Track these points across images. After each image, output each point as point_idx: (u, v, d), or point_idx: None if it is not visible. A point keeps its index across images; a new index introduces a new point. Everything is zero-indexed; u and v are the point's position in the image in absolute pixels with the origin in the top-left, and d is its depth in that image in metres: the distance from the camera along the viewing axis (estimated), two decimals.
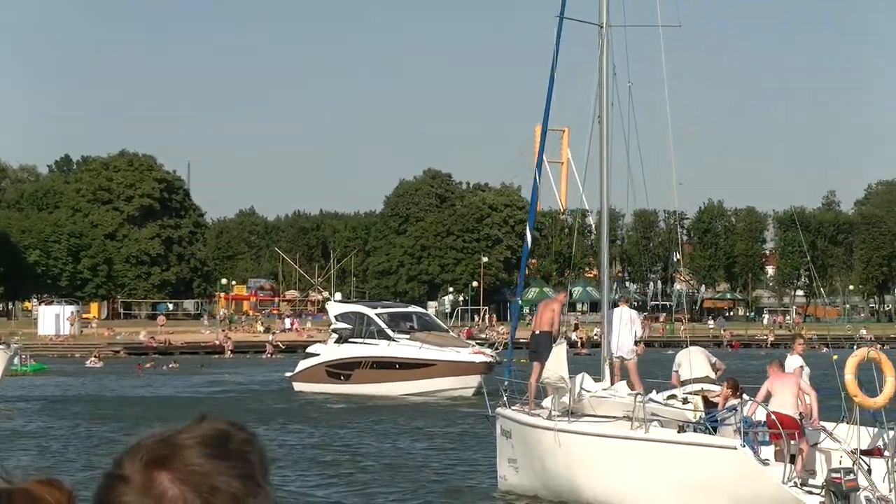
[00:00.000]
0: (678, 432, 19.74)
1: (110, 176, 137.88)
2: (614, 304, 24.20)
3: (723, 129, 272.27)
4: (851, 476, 18.19)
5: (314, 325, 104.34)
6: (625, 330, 23.02)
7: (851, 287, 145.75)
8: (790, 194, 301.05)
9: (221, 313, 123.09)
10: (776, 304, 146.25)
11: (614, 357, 23.01)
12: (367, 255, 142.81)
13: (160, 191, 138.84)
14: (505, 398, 23.39)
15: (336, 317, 51.20)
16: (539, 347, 22.64)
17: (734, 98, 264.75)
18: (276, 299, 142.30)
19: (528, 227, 24.34)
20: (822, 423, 20.06)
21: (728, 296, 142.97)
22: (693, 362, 21.87)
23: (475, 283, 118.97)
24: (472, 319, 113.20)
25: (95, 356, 79.32)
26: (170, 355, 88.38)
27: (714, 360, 22.00)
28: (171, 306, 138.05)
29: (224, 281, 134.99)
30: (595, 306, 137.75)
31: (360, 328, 49.74)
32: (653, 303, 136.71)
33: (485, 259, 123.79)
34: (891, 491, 18.50)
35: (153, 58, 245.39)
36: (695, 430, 19.84)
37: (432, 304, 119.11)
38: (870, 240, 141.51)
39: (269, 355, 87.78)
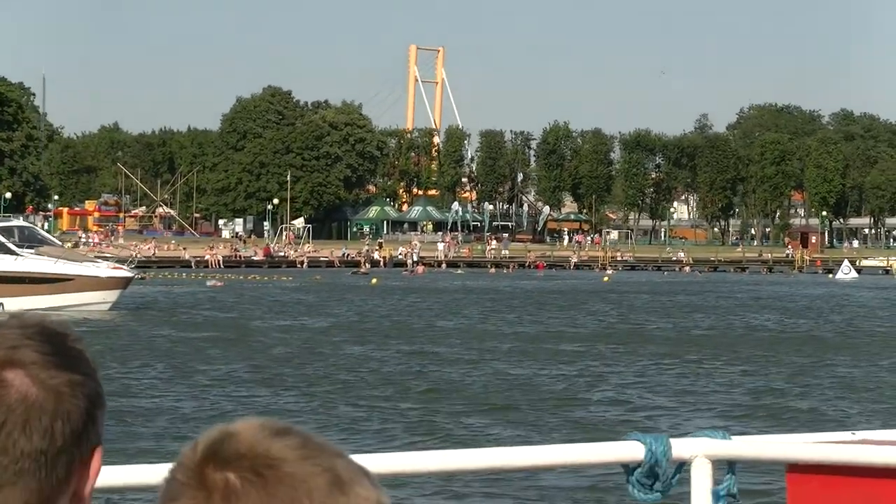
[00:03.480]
0: None
1: None
2: None
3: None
4: None
5: (127, 242, 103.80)
6: None
7: (677, 211, 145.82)
8: (661, 116, 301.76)
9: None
10: (622, 224, 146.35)
11: None
12: (211, 171, 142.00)
13: None
14: None
15: None
16: None
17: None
18: (121, 215, 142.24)
19: None
20: None
21: (573, 217, 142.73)
22: None
23: (276, 201, 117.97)
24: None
25: None
26: None
27: None
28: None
29: (56, 196, 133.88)
30: (439, 226, 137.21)
31: None
32: (495, 223, 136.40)
33: (289, 177, 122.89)
34: None
35: None
36: None
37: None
38: (714, 163, 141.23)
39: None
